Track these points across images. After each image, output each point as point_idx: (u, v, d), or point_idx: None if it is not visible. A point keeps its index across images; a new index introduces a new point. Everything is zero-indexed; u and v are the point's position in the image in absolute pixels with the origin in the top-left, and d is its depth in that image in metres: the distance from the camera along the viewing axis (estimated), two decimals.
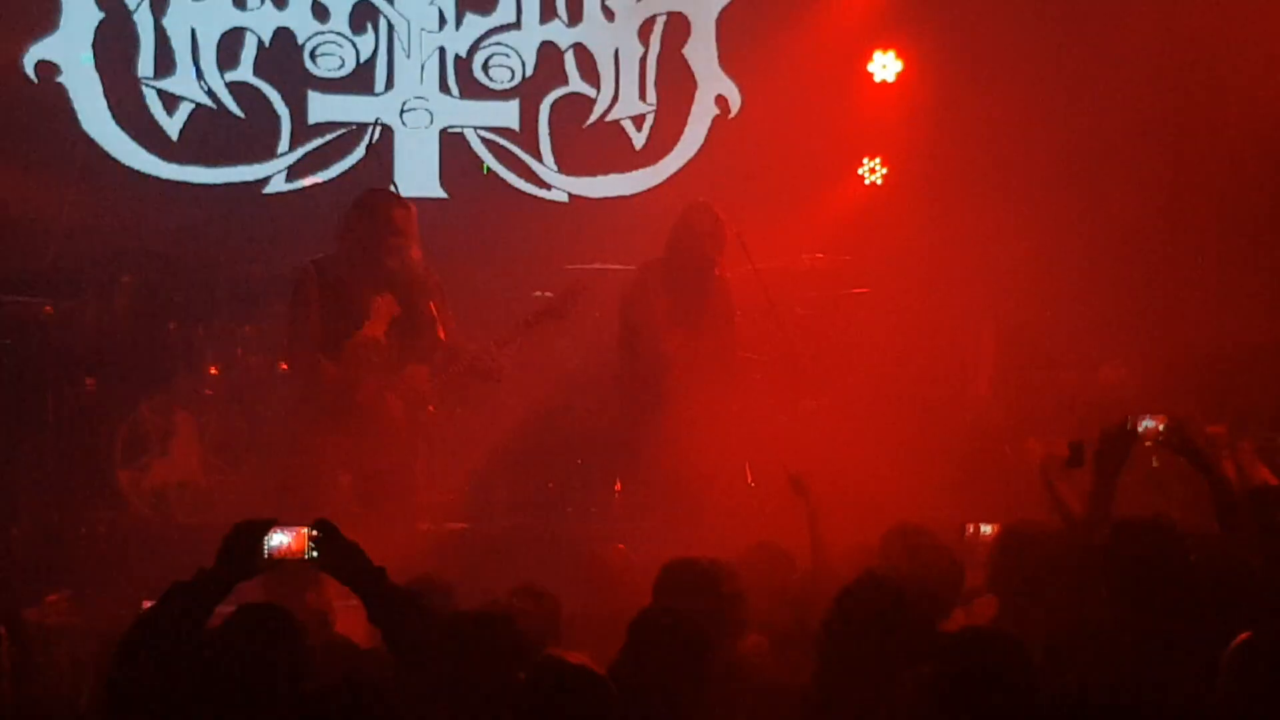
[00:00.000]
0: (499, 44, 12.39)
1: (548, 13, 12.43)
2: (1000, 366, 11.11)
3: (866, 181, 12.66)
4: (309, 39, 12.11)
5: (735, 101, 12.59)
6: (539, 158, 12.42)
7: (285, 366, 9.89)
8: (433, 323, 8.95)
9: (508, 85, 12.43)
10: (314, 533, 4.73)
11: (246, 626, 4.93)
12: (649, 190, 12.49)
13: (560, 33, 12.45)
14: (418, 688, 4.81)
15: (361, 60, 12.20)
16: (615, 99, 12.55)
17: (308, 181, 12.04)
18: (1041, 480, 6.68)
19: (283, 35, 12.08)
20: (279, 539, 4.72)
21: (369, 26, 12.21)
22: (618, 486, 10.55)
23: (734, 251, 10.03)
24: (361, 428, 8.71)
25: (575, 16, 12.46)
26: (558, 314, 9.29)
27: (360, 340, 8.74)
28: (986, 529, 6.93)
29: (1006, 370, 11.13)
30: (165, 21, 11.88)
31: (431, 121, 12.28)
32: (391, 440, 8.83)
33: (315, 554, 4.72)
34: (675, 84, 12.59)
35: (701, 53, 12.63)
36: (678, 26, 12.61)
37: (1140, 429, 6.34)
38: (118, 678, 4.93)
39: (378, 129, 11.64)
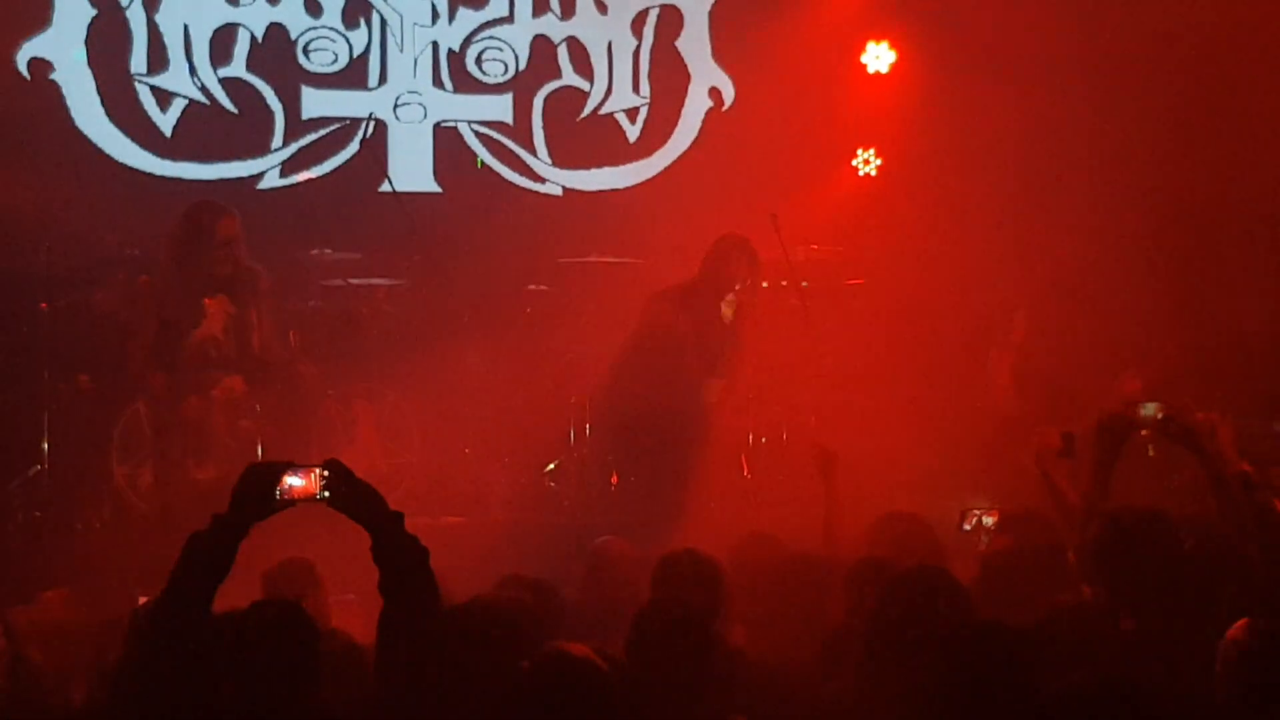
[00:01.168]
0: (492, 38, 12.38)
1: (540, 6, 12.42)
2: (1025, 357, 11.01)
3: (861, 173, 12.65)
4: (302, 34, 12.11)
5: (729, 94, 12.59)
6: (533, 151, 12.42)
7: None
8: (251, 329, 9.10)
9: (501, 79, 12.42)
10: (324, 472, 4.72)
11: (262, 623, 4.91)
12: (643, 183, 12.50)
13: (553, 26, 12.44)
14: (415, 683, 4.78)
15: (354, 55, 12.20)
16: (609, 92, 12.55)
17: (302, 177, 12.03)
18: (1037, 469, 6.67)
19: (275, 30, 12.08)
20: (291, 480, 4.71)
21: (362, 21, 12.21)
22: (614, 479, 10.57)
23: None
24: (185, 442, 8.81)
25: (568, 10, 12.45)
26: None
27: (199, 339, 8.88)
28: (988, 519, 6.93)
29: (1030, 361, 11.02)
30: (158, 18, 11.87)
31: (425, 116, 12.27)
32: (215, 454, 8.92)
33: (327, 494, 4.71)
34: (669, 77, 12.59)
35: (695, 45, 12.62)
36: (671, 19, 12.60)
37: (1137, 416, 6.33)
38: (129, 664, 4.89)
39: (371, 123, 11.64)
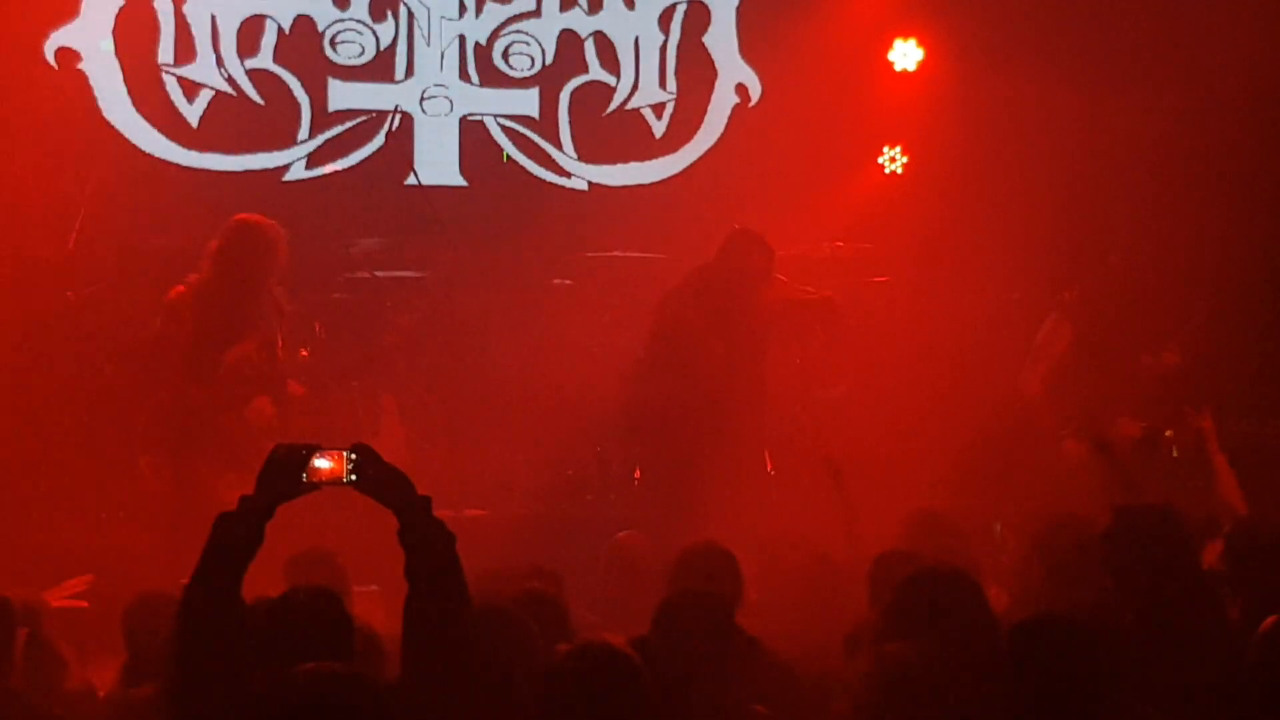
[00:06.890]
0: (519, 31, 12.39)
1: (568, 1, 12.43)
2: (1064, 364, 10.81)
3: (887, 170, 12.65)
4: (329, 26, 12.13)
5: (755, 90, 12.58)
6: (559, 145, 12.42)
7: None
8: (276, 353, 9.14)
9: (528, 73, 12.43)
10: (353, 455, 4.69)
11: (298, 609, 4.89)
12: (669, 178, 12.50)
13: (580, 20, 12.45)
14: (442, 671, 4.75)
15: (382, 48, 12.21)
16: (635, 87, 12.55)
17: (328, 169, 12.06)
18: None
19: (303, 22, 12.10)
20: (319, 462, 4.68)
21: (389, 14, 12.22)
22: (636, 474, 10.56)
23: None
24: (223, 455, 8.82)
25: (595, 4, 12.46)
26: None
27: (236, 356, 8.88)
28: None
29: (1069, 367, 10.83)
30: (185, 8, 11.89)
31: (451, 109, 12.29)
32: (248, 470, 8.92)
33: (354, 476, 4.68)
34: (695, 72, 12.59)
35: (722, 41, 12.62)
36: (698, 14, 12.60)
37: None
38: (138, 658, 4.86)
39: (398, 116, 11.65)
